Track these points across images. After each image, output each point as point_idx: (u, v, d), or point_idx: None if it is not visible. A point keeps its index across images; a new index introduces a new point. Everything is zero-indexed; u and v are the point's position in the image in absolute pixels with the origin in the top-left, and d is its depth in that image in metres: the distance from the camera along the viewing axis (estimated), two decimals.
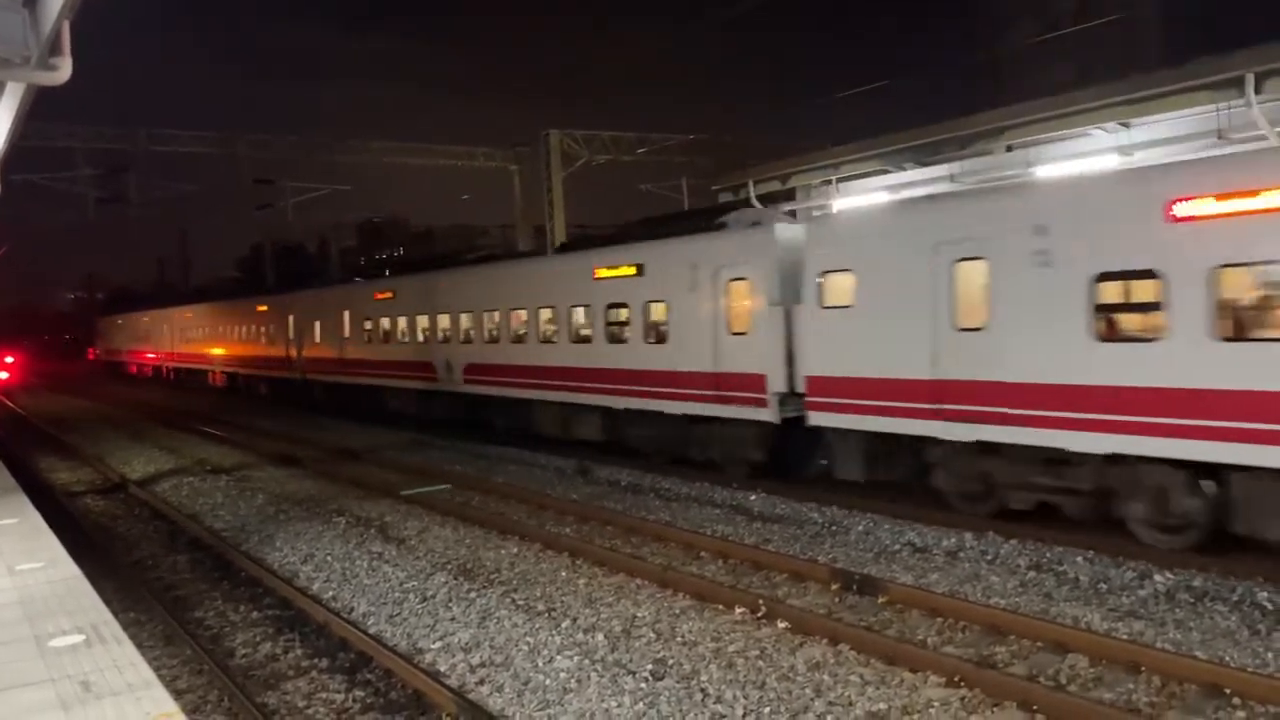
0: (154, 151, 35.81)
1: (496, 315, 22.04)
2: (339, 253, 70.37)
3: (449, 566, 11.95)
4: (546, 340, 20.39)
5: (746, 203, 25.55)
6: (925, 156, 20.81)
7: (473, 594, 10.70)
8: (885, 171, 21.95)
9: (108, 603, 7.78)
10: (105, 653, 5.65)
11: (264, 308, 36.86)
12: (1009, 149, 19.17)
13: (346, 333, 29.36)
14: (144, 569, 12.73)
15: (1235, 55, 15.45)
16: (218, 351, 42.72)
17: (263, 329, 36.79)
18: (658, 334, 17.37)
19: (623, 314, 18.17)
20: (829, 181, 23.00)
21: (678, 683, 7.99)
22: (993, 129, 19.37)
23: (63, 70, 7.93)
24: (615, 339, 18.35)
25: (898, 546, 12.04)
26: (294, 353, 33.60)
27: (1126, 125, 17.28)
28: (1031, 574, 10.59)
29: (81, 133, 34.34)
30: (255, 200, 44.28)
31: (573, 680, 8.15)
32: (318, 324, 31.66)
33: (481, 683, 8.27)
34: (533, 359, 20.72)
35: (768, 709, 7.45)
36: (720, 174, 28.91)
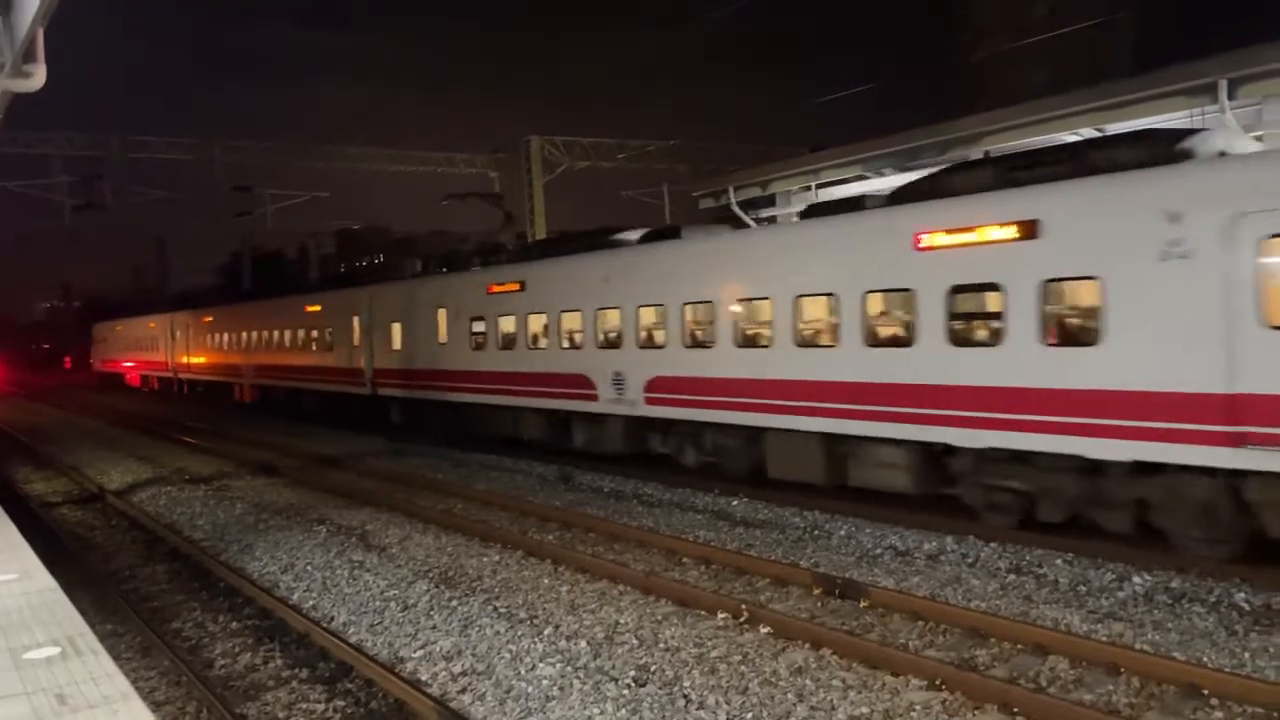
0: (129, 158, 35.55)
1: (709, 309, 16.02)
2: (318, 259, 69.96)
3: (430, 575, 11.90)
4: (807, 344, 14.37)
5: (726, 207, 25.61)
6: (904, 162, 20.93)
7: (454, 602, 10.66)
8: (865, 177, 22.08)
9: (84, 614, 7.69)
10: (81, 665, 5.59)
11: (316, 307, 30.61)
12: (987, 154, 19.29)
13: (443, 336, 23.18)
14: (121, 580, 12.60)
15: (1208, 61, 15.63)
16: (247, 361, 36.36)
17: (314, 333, 30.53)
18: (1066, 331, 11.47)
19: (987, 300, 12.28)
20: (808, 187, 23.10)
21: (660, 689, 7.98)
22: (971, 134, 19.51)
23: (37, 77, 7.86)
24: (967, 339, 12.36)
25: (879, 550, 12.08)
26: (361, 362, 27.37)
27: (1102, 130, 17.44)
28: (1012, 577, 10.65)
29: (56, 139, 34.07)
30: (233, 207, 43.94)
31: (555, 688, 8.12)
32: (397, 326, 25.36)
33: (463, 691, 8.23)
34: (778, 370, 14.57)
35: (750, 714, 7.44)
36: (700, 180, 28.98)
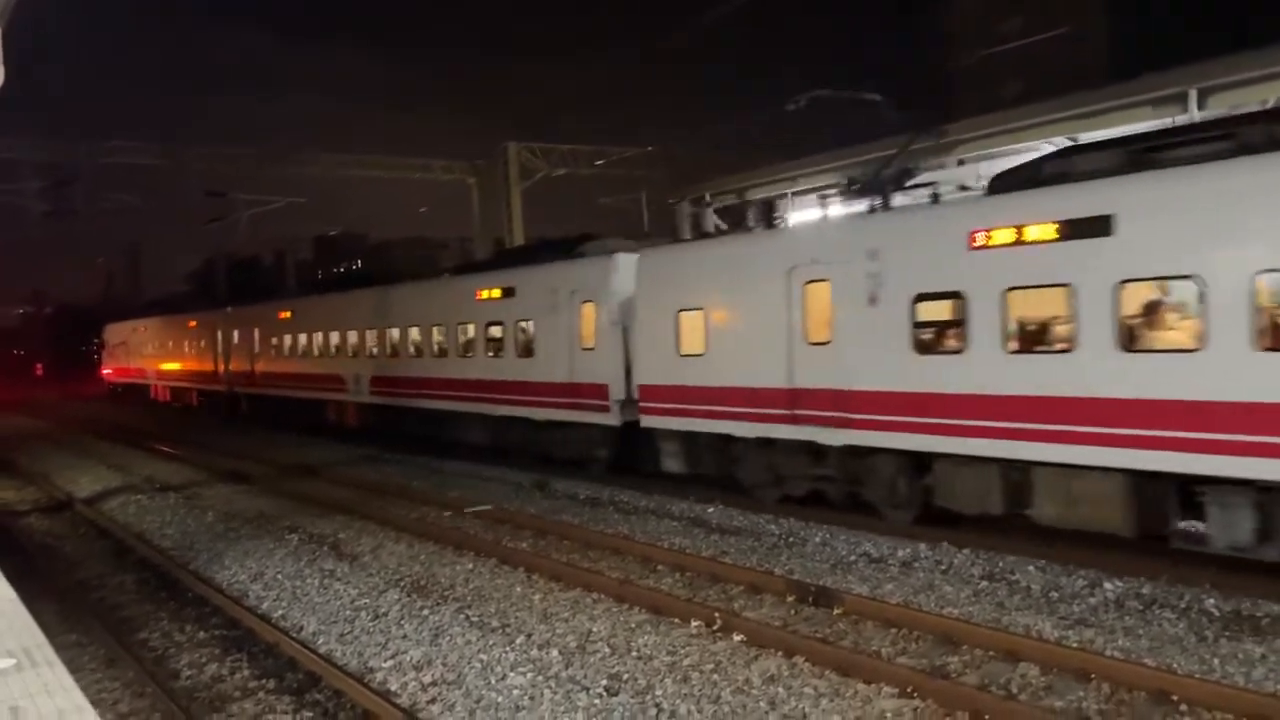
0: (100, 164, 35.15)
1: None
2: (295, 266, 69.56)
3: (402, 583, 11.78)
4: None
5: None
6: (879, 169, 21.03)
7: (426, 611, 10.55)
8: (840, 185, 22.18)
9: (45, 625, 7.56)
10: (37, 677, 5.47)
11: (497, 292, 20.72)
12: (960, 163, 19.43)
13: (818, 331, 13.65)
14: (88, 589, 12.41)
15: (1177, 71, 15.82)
16: (354, 371, 26.57)
17: (495, 329, 20.85)
18: None
19: None
20: (784, 195, 23.18)
21: (632, 698, 7.92)
22: (945, 143, 19.63)
23: None
24: None
25: (854, 558, 12.07)
26: (603, 374, 17.74)
27: (1074, 140, 17.59)
28: (984, 583, 10.66)
29: (25, 145, 33.67)
30: (207, 214, 43.70)
31: (525, 698, 8.05)
32: (693, 316, 15.60)
33: (433, 701, 8.14)
34: None
35: None
36: (676, 187, 29.04)
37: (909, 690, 7.71)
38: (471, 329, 21.55)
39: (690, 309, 15.70)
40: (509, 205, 37.87)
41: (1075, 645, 8.53)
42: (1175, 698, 7.34)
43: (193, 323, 39.67)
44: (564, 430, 18.88)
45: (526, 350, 19.71)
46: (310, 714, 8.07)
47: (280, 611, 10.92)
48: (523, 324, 19.84)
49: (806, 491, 14.27)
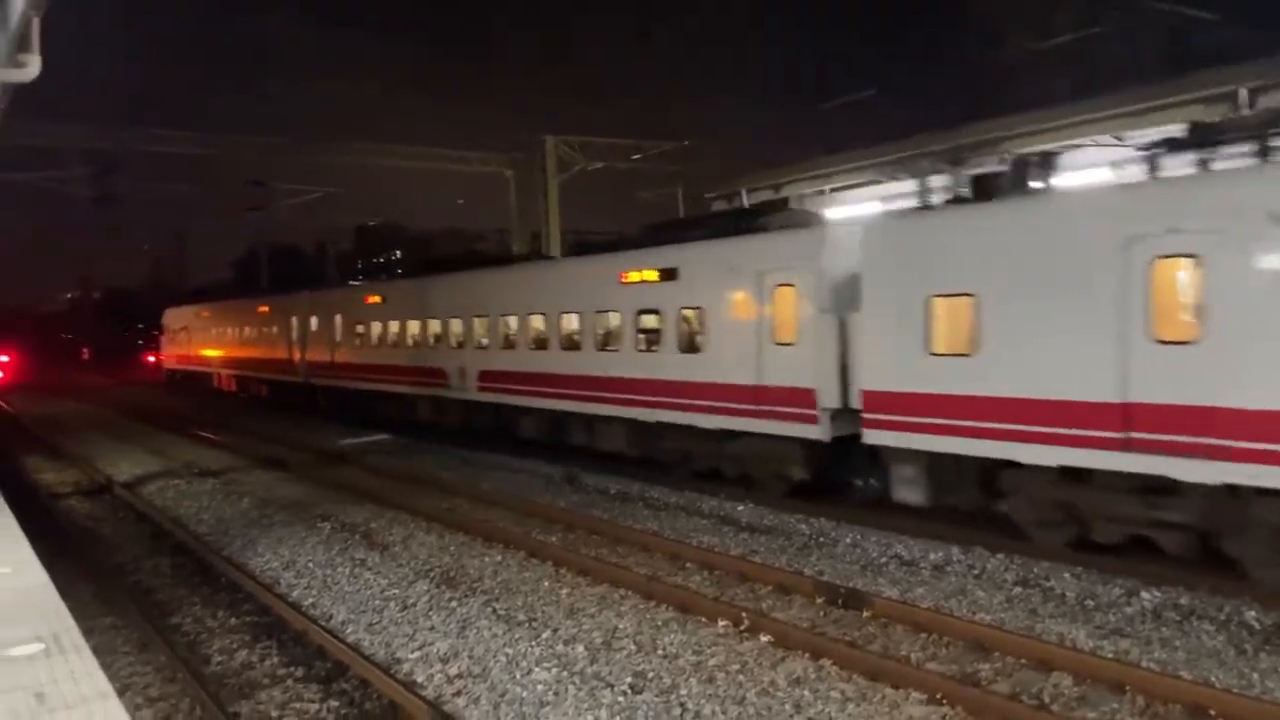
0: (143, 152, 35.62)
1: None
2: (336, 256, 70.21)
3: (431, 574, 11.83)
4: None
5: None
6: (920, 167, 20.77)
7: (454, 603, 10.58)
8: (879, 182, 21.94)
9: (79, 609, 7.66)
10: (64, 663, 5.52)
11: (647, 275, 17.43)
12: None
13: None
14: (124, 573, 12.59)
15: (1229, 69, 15.47)
16: (473, 363, 22.50)
17: (652, 317, 17.33)
18: None
19: None
20: (822, 191, 22.98)
21: (656, 697, 7.87)
22: (990, 139, 19.35)
23: (31, 67, 7.76)
24: None
25: (885, 559, 11.93)
26: None
27: (1120, 139, 17.26)
28: (1018, 589, 10.48)
29: (70, 132, 34.19)
30: (247, 202, 44.19)
31: (550, 693, 8.03)
32: None
33: (458, 694, 8.16)
34: None
35: None
36: (713, 181, 28.89)
37: (938, 697, 7.60)
38: (615, 318, 18.12)
39: (949, 294, 12.20)
40: (546, 197, 37.89)
41: (1110, 655, 8.36)
42: (1213, 712, 7.16)
43: (264, 307, 36.12)
44: (742, 442, 15.60)
45: (691, 344, 16.41)
46: (337, 703, 8.12)
47: (310, 600, 11.01)
48: (687, 312, 16.46)
49: (1124, 538, 10.88)
